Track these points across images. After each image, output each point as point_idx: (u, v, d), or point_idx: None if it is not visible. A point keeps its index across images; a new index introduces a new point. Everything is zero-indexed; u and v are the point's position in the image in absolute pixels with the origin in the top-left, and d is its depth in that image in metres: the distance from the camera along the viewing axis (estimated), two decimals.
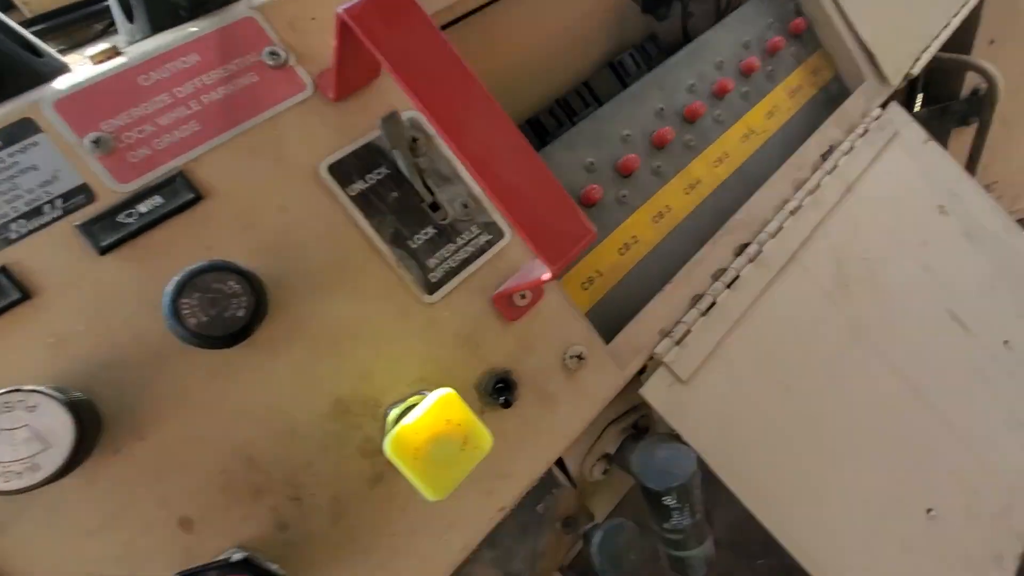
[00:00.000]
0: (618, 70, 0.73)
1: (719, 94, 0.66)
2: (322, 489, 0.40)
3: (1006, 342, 0.67)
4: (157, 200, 0.38)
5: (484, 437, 0.37)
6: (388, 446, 0.35)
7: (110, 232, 0.37)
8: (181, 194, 0.38)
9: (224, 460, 0.37)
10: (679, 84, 0.64)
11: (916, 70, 0.76)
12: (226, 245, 0.39)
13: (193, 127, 0.40)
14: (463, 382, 0.44)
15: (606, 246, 0.58)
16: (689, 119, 0.63)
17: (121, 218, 0.37)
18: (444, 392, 0.36)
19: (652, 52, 0.76)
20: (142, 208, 0.38)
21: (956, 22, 0.86)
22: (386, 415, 0.41)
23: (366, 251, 0.42)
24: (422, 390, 0.43)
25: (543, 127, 0.66)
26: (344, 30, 0.33)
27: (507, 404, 0.42)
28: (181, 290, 0.32)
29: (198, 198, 0.39)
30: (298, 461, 0.39)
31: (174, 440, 0.36)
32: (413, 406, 0.37)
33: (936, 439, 0.59)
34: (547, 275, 0.36)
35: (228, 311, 0.34)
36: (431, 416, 0.36)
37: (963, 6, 0.88)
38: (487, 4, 0.59)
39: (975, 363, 0.64)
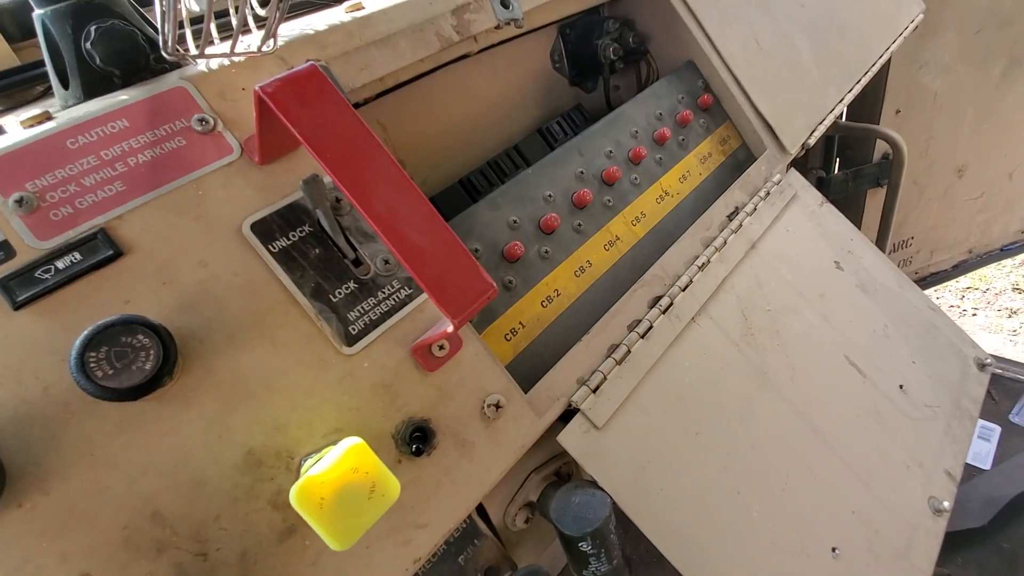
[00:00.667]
0: (547, 136, 0.79)
1: (635, 160, 0.72)
2: (230, 544, 0.40)
3: (901, 386, 0.72)
4: (75, 256, 0.39)
5: (392, 485, 0.39)
6: (293, 496, 0.35)
7: (26, 287, 0.38)
8: (100, 251, 0.40)
9: (128, 515, 0.37)
10: (598, 150, 0.70)
11: (812, 141, 0.85)
12: (144, 300, 0.40)
13: (118, 187, 0.42)
14: (380, 432, 0.45)
15: (529, 299, 0.61)
16: (608, 181, 0.69)
17: (39, 274, 0.38)
18: (353, 442, 0.38)
19: (579, 120, 0.83)
20: (60, 264, 0.39)
21: (849, 98, 0.97)
22: (300, 466, 0.42)
23: (286, 305, 0.44)
24: (338, 440, 0.44)
25: (474, 187, 0.71)
26: (261, 105, 0.36)
27: (418, 453, 0.44)
28: (88, 344, 0.33)
29: (118, 254, 0.40)
30: (206, 515, 0.39)
31: (78, 494, 0.36)
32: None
33: (838, 480, 0.63)
34: (450, 328, 0.39)
35: (135, 364, 0.35)
36: (339, 465, 0.37)
37: (856, 83, 0.99)
38: (429, 71, 0.65)
39: (873, 406, 0.69)
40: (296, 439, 0.43)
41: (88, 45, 0.42)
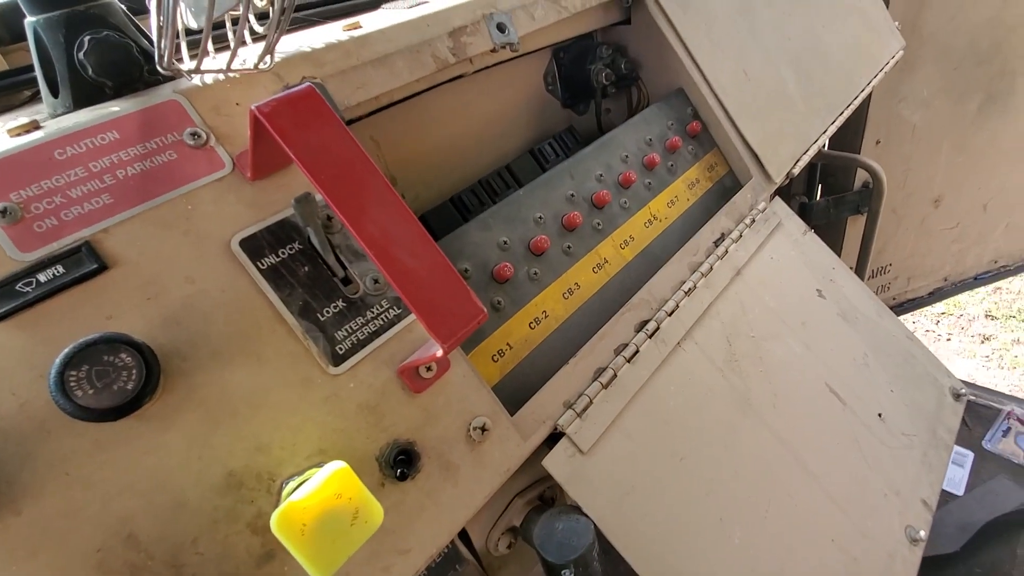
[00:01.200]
0: (538, 157, 0.80)
1: (624, 184, 0.73)
2: (207, 568, 0.39)
3: (880, 415, 0.74)
4: (58, 269, 0.38)
5: (375, 511, 0.38)
6: (274, 522, 0.35)
7: (5, 301, 0.37)
8: (84, 264, 0.39)
9: (102, 536, 0.36)
10: (588, 174, 0.71)
11: (796, 170, 0.87)
12: (127, 315, 0.39)
13: (105, 200, 0.41)
14: (364, 454, 0.45)
15: (518, 320, 0.61)
16: (597, 205, 0.70)
17: (20, 287, 0.37)
18: (337, 466, 0.37)
19: (570, 142, 0.84)
20: (42, 277, 0.38)
21: (832, 129, 1.00)
22: (282, 489, 0.42)
23: (272, 323, 0.43)
24: (321, 462, 0.43)
25: (466, 205, 0.71)
26: (257, 124, 0.36)
27: (403, 477, 0.43)
28: (68, 363, 0.33)
29: (102, 268, 0.39)
30: (183, 538, 0.38)
31: (51, 515, 0.35)
32: (310, 479, 0.38)
33: (819, 507, 0.63)
34: (439, 352, 0.39)
35: (117, 384, 0.34)
36: (322, 491, 0.36)
37: (839, 115, 1.02)
38: (424, 90, 0.65)
39: (852, 434, 0.70)
40: (278, 460, 0.42)
41: (81, 55, 0.42)
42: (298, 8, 0.69)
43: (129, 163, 0.42)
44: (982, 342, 2.88)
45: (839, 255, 1.69)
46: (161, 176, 0.43)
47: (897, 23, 1.23)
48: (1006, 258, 1.95)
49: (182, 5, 0.39)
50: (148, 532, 0.37)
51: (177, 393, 0.39)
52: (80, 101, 0.44)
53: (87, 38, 0.42)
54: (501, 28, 0.64)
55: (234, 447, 0.41)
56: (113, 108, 0.43)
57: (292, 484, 0.40)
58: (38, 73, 0.45)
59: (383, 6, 0.71)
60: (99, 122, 0.42)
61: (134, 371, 0.34)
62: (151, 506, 0.38)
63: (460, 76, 0.68)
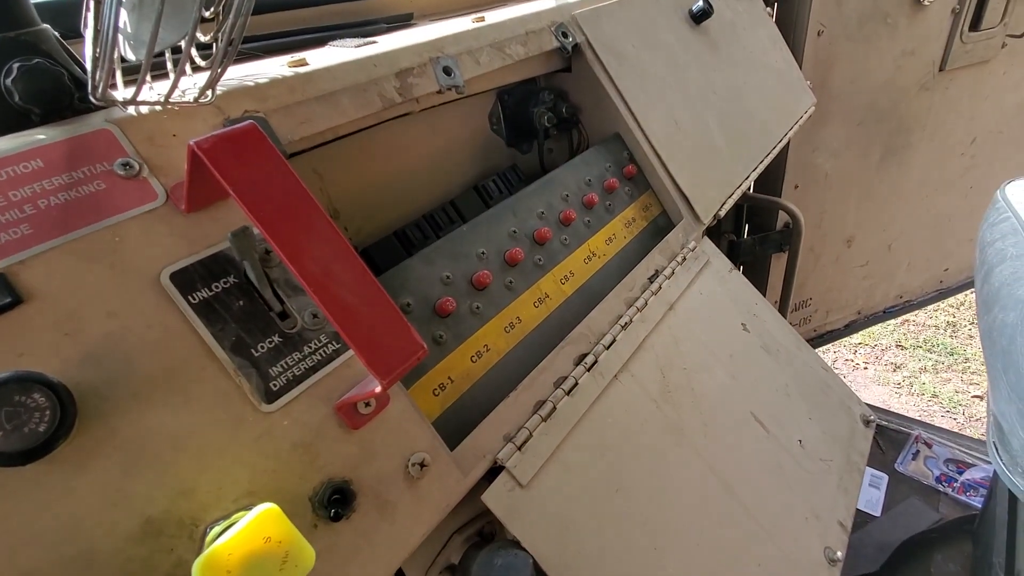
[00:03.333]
0: (482, 193, 0.82)
1: (565, 222, 0.76)
2: None
3: (800, 441, 0.79)
4: None
5: (307, 554, 0.37)
6: (196, 570, 0.33)
7: None
8: None
9: None
10: (531, 211, 0.74)
11: (723, 212, 0.93)
12: (41, 352, 0.37)
13: (24, 230, 0.39)
14: (297, 495, 0.44)
15: (459, 354, 0.62)
16: (539, 241, 0.72)
17: None
18: (264, 507, 0.36)
19: (514, 180, 0.87)
20: None
21: (755, 175, 1.08)
22: (205, 535, 0.40)
23: (202, 359, 0.42)
24: (250, 505, 0.42)
25: (409, 239, 0.72)
26: (195, 159, 0.36)
27: (337, 518, 0.42)
28: None
29: (16, 302, 0.37)
30: None
31: None
32: (236, 523, 0.36)
33: (745, 531, 0.66)
34: (378, 388, 0.39)
35: (27, 426, 0.32)
36: (248, 534, 0.35)
37: (760, 163, 1.11)
38: (370, 126, 0.66)
39: (775, 460, 0.74)
40: (203, 505, 0.40)
41: (8, 81, 0.40)
42: (244, 41, 0.69)
43: (53, 192, 0.40)
44: (894, 370, 3.12)
45: (765, 289, 1.82)
46: (88, 207, 0.41)
47: (809, 82, 1.37)
48: (909, 293, 2.14)
49: (120, 36, 0.39)
50: None
51: (93, 435, 0.37)
52: (3, 128, 0.42)
53: (16, 65, 0.41)
54: (447, 71, 0.67)
55: (154, 492, 0.38)
56: (39, 136, 0.41)
57: (217, 529, 0.39)
58: None
59: (330, 44, 0.72)
60: (21, 149, 0.40)
61: (47, 412, 0.32)
62: (59, 558, 0.35)
63: (406, 114, 0.69)
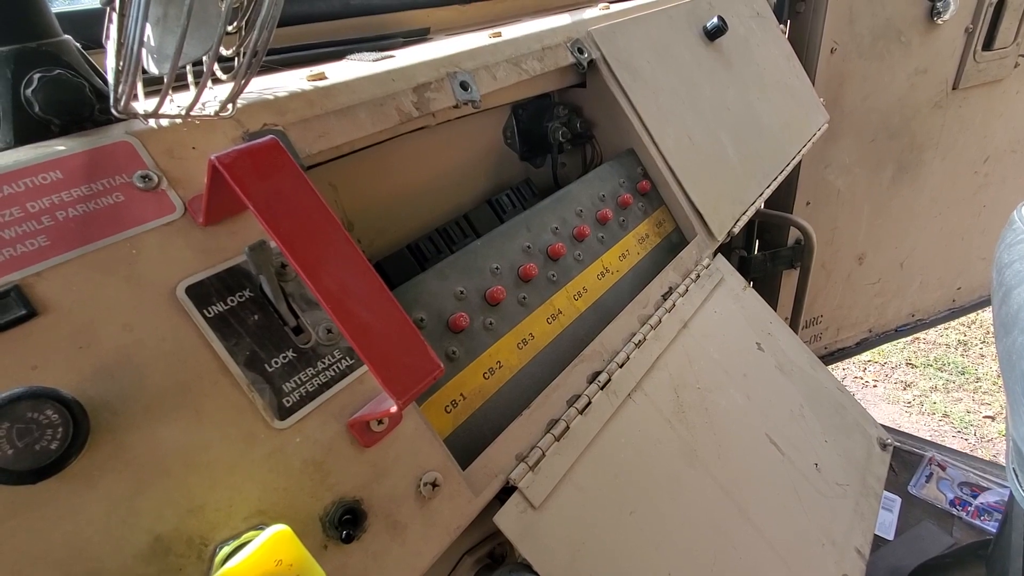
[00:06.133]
0: (496, 207, 0.81)
1: (579, 237, 0.75)
2: None
3: (816, 464, 0.77)
4: None
5: None
6: None
7: None
8: (12, 309, 0.36)
9: None
10: (544, 226, 0.73)
11: (736, 229, 0.92)
12: (55, 365, 0.37)
13: (41, 242, 0.39)
14: (307, 514, 0.43)
15: (472, 370, 0.61)
16: (553, 257, 0.72)
17: None
18: (276, 529, 0.35)
19: (527, 194, 0.86)
20: None
21: (768, 192, 1.08)
22: (215, 554, 0.39)
23: (215, 374, 0.42)
24: (261, 524, 0.41)
25: (423, 253, 0.71)
26: (215, 174, 0.36)
27: (348, 539, 0.42)
28: None
29: (31, 314, 0.37)
30: None
31: None
32: (247, 543, 0.36)
33: (761, 558, 0.65)
34: (393, 408, 0.38)
35: (39, 443, 0.31)
36: (259, 557, 0.34)
37: (773, 180, 1.10)
38: (386, 140, 0.66)
39: (790, 484, 0.73)
40: (212, 523, 0.39)
41: (29, 92, 0.40)
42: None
43: (71, 204, 0.40)
44: (904, 389, 3.07)
45: (776, 306, 1.80)
46: (105, 219, 0.41)
47: (822, 99, 1.36)
48: (921, 312, 2.12)
49: (144, 51, 0.39)
50: None
51: (103, 450, 0.37)
52: (22, 137, 0.42)
53: (37, 75, 0.41)
54: (464, 86, 0.66)
55: (163, 510, 0.38)
56: (59, 147, 0.41)
57: (227, 549, 0.38)
58: None
59: (348, 57, 0.72)
60: (41, 160, 0.40)
61: (60, 429, 0.31)
62: None
63: (422, 127, 0.69)
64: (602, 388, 0.64)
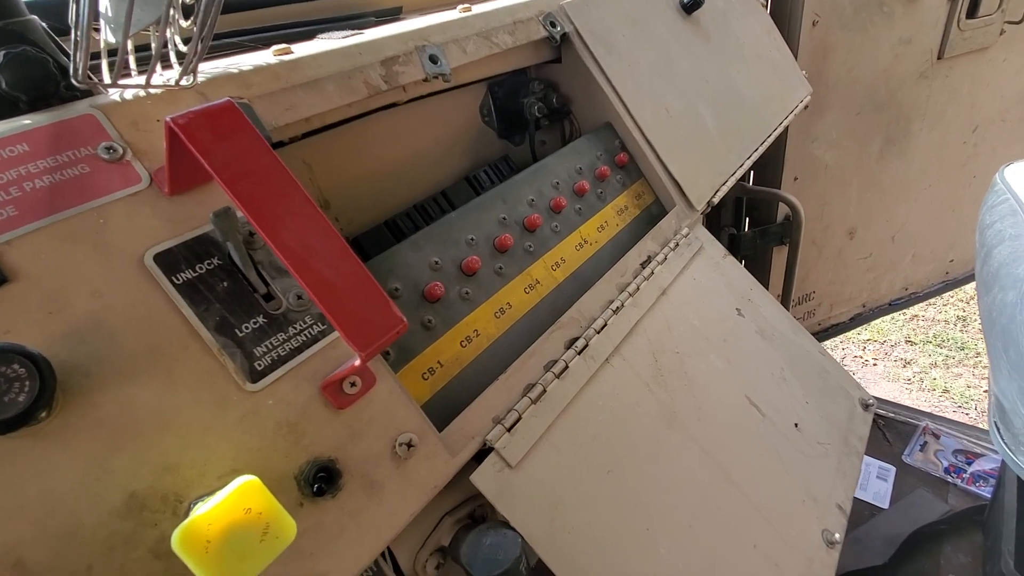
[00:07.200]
0: (474, 183, 0.82)
1: (556, 209, 0.76)
2: None
3: (796, 424, 0.78)
4: None
5: (288, 526, 0.37)
6: (175, 539, 0.33)
7: None
8: None
9: None
10: (520, 198, 0.74)
11: (716, 199, 0.93)
12: (26, 330, 0.38)
13: (10, 211, 0.40)
14: (282, 473, 0.44)
15: (449, 338, 0.62)
16: (529, 228, 0.72)
17: None
18: (245, 479, 0.36)
19: (505, 171, 0.87)
20: None
21: (748, 163, 1.08)
22: (189, 510, 0.40)
23: (186, 339, 0.42)
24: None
25: (400, 229, 0.72)
26: (172, 136, 0.37)
27: (320, 493, 0.43)
28: None
29: (1, 281, 0.38)
30: (77, 565, 0.36)
31: None
32: None
33: (741, 515, 0.66)
34: (358, 361, 0.39)
35: (7, 395, 0.32)
36: (227, 504, 0.35)
37: (754, 151, 1.11)
38: (360, 116, 0.66)
39: (771, 444, 0.73)
40: (187, 481, 0.40)
41: None
42: (232, 35, 0.70)
43: (38, 175, 0.41)
44: (903, 366, 3.08)
45: (767, 283, 1.81)
46: (72, 189, 0.42)
47: (804, 72, 1.36)
48: (914, 285, 2.12)
49: (101, 20, 0.39)
50: (38, 559, 0.35)
51: (77, 411, 0.38)
52: None
53: (2, 53, 0.41)
54: (433, 59, 0.67)
55: (138, 468, 0.39)
56: (25, 121, 0.42)
57: (200, 504, 0.39)
58: None
59: (318, 37, 0.73)
60: (8, 135, 0.41)
61: (27, 382, 0.32)
62: (42, 531, 0.35)
63: (394, 104, 0.70)
64: (579, 353, 0.65)
